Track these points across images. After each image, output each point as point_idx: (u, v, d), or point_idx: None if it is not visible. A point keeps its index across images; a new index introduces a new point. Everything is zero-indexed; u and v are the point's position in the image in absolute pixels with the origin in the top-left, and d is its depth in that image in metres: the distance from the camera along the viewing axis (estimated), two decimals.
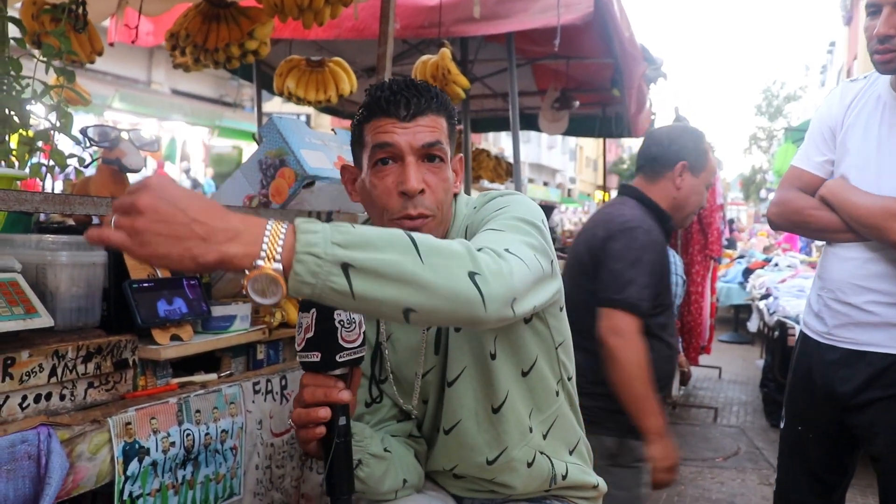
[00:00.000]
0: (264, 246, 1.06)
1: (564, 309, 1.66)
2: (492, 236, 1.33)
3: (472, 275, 1.13)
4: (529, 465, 1.63)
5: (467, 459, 1.63)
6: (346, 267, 1.06)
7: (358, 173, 1.60)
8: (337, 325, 1.28)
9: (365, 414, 1.69)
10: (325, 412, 1.30)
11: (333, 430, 1.32)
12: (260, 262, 1.05)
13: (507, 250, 1.24)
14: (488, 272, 1.15)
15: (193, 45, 3.60)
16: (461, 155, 1.69)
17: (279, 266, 1.05)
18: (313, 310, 1.28)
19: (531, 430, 1.62)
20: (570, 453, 1.73)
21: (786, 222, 2.37)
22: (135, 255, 1.05)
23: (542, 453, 1.65)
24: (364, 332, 1.33)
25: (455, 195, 1.63)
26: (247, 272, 1.06)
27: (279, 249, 1.06)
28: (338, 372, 1.31)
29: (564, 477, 1.68)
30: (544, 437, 1.65)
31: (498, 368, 1.56)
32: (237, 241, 1.05)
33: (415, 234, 1.14)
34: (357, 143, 1.59)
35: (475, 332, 1.55)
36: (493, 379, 1.56)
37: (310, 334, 1.28)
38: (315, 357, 1.29)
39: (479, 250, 1.18)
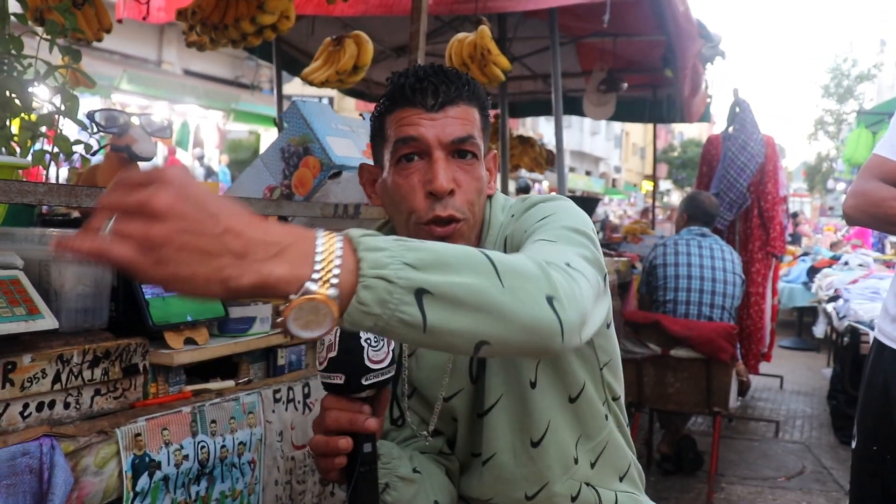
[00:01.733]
0: (317, 266, 0.91)
1: (612, 325, 1.62)
2: (545, 248, 1.26)
3: (549, 299, 1.05)
4: (574, 498, 1.59)
5: (503, 493, 1.59)
6: (420, 293, 0.95)
7: (378, 172, 1.55)
8: (363, 343, 1.24)
9: (391, 430, 1.68)
10: (346, 442, 1.27)
11: (357, 458, 1.28)
12: (312, 287, 0.90)
13: (568, 265, 1.15)
14: (564, 295, 1.07)
15: (202, 23, 3.60)
16: (495, 151, 1.65)
17: (335, 292, 0.91)
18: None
19: (576, 462, 1.58)
20: (621, 480, 1.69)
21: (863, 216, 2.30)
22: (145, 277, 0.87)
23: (587, 485, 1.61)
24: (393, 350, 1.29)
25: (489, 197, 1.59)
26: (291, 298, 0.91)
27: (335, 271, 0.92)
28: (363, 395, 1.27)
29: None
30: (592, 465, 1.61)
31: (537, 398, 1.52)
32: (282, 259, 0.90)
33: (488, 251, 1.04)
34: (378, 138, 1.54)
35: (515, 358, 1.51)
36: (531, 410, 1.52)
37: (332, 354, 1.24)
38: (339, 379, 1.25)
39: (557, 267, 1.11)
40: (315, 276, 0.91)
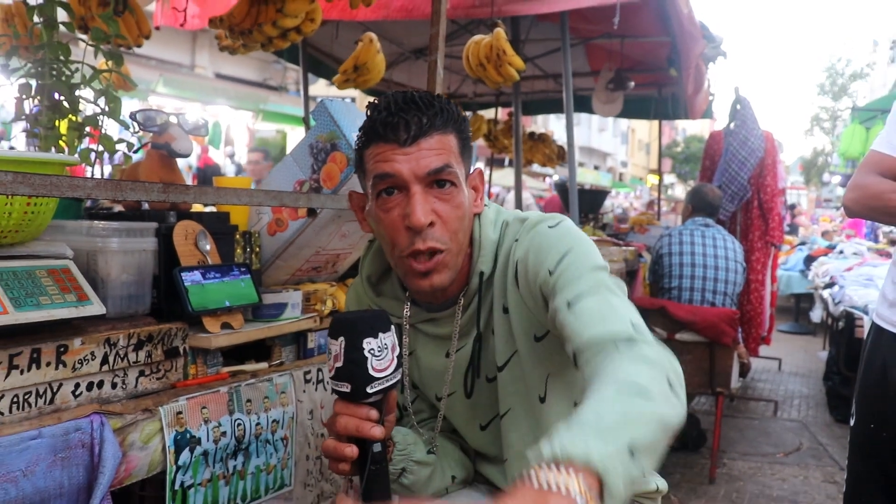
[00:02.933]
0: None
1: None
2: (604, 306, 1.26)
3: (670, 385, 1.11)
4: None
5: None
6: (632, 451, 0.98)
7: (365, 200, 1.51)
8: (367, 354, 1.24)
9: (405, 415, 1.68)
10: (351, 451, 1.27)
11: (367, 457, 1.29)
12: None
13: (633, 323, 1.22)
14: (672, 374, 1.13)
15: (230, 29, 3.60)
16: (480, 168, 1.57)
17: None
18: (342, 338, 1.25)
19: None
20: None
21: (863, 208, 2.29)
22: None
23: None
24: (398, 356, 1.29)
25: (478, 215, 1.52)
26: None
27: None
28: (370, 400, 1.28)
29: None
30: None
31: (547, 411, 1.50)
32: None
33: (634, 384, 1.07)
34: (359, 170, 1.49)
35: (521, 373, 1.50)
36: (542, 422, 1.50)
37: (339, 363, 1.25)
38: (345, 387, 1.26)
39: (639, 340, 1.17)
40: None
